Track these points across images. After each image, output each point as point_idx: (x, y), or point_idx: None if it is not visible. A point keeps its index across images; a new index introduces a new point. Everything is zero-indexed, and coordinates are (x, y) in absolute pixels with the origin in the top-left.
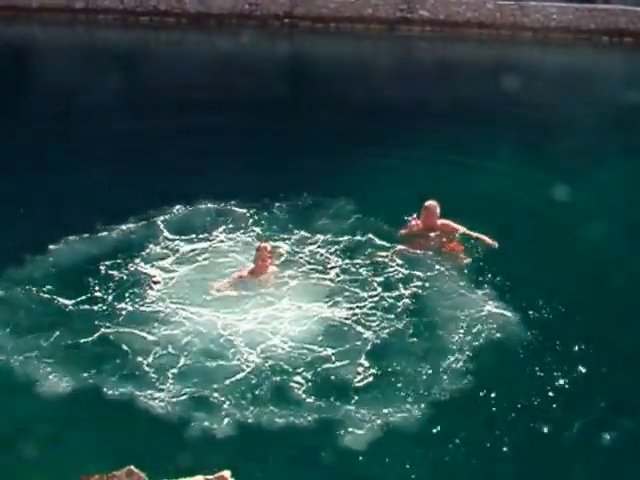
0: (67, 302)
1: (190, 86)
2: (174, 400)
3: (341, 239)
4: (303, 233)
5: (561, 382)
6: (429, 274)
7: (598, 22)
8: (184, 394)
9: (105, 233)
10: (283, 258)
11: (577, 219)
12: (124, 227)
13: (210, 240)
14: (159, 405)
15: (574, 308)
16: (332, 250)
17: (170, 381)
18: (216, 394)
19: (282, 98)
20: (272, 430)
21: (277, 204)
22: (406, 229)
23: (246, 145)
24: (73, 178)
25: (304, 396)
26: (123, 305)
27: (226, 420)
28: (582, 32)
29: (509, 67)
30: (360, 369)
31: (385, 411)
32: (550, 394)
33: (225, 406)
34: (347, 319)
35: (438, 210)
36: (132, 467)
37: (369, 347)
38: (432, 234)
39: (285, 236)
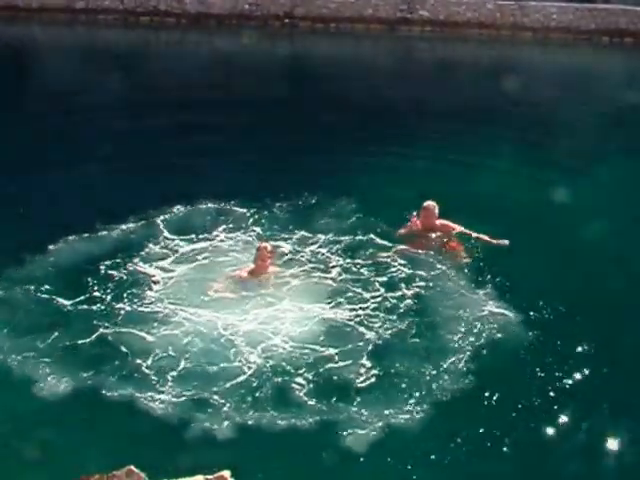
0: (66, 302)
1: (190, 86)
2: (174, 400)
3: (342, 239)
4: (304, 233)
5: (562, 382)
6: (430, 274)
7: (598, 22)
8: (185, 394)
9: (105, 233)
10: (284, 258)
11: (578, 219)
12: (124, 227)
13: (210, 240)
14: (159, 405)
15: (575, 308)
16: (333, 250)
17: (170, 382)
18: (216, 394)
19: (282, 98)
20: (273, 430)
21: (277, 204)
22: (405, 229)
23: (246, 145)
24: (73, 178)
25: (305, 396)
26: (123, 305)
27: (226, 420)
28: (582, 32)
29: (509, 67)
30: (362, 370)
31: (387, 412)
32: (551, 394)
33: (225, 407)
34: (349, 319)
35: (437, 210)
36: (132, 467)
37: (371, 347)
38: (431, 234)
39: (286, 236)
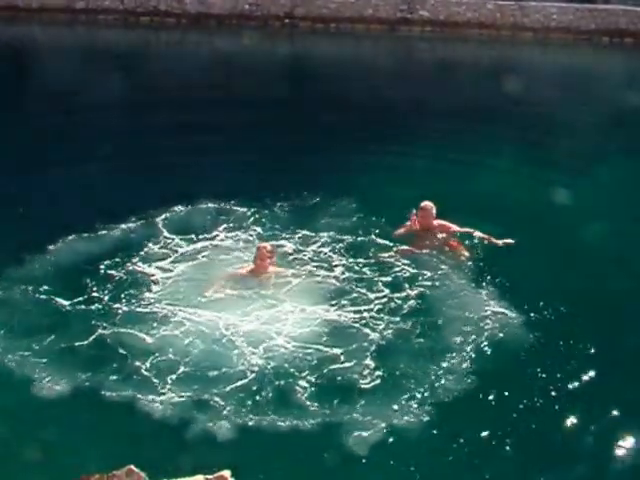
0: (66, 302)
1: (190, 86)
2: (175, 401)
3: (343, 238)
4: (305, 232)
5: (565, 382)
6: (432, 274)
7: (598, 22)
8: (185, 395)
9: (104, 232)
10: (286, 258)
11: (578, 218)
12: (124, 226)
13: (210, 239)
14: (160, 406)
15: (577, 308)
16: (335, 249)
17: (171, 382)
18: (217, 394)
19: (283, 98)
20: (274, 431)
21: (278, 203)
22: (403, 229)
23: (246, 145)
24: (73, 178)
25: (307, 397)
26: (123, 305)
27: (227, 421)
28: (582, 32)
29: (509, 67)
30: (365, 370)
31: (390, 413)
32: (554, 394)
33: (226, 407)
34: (351, 320)
35: (434, 211)
36: (132, 467)
37: (374, 348)
38: (430, 234)
39: (287, 235)
